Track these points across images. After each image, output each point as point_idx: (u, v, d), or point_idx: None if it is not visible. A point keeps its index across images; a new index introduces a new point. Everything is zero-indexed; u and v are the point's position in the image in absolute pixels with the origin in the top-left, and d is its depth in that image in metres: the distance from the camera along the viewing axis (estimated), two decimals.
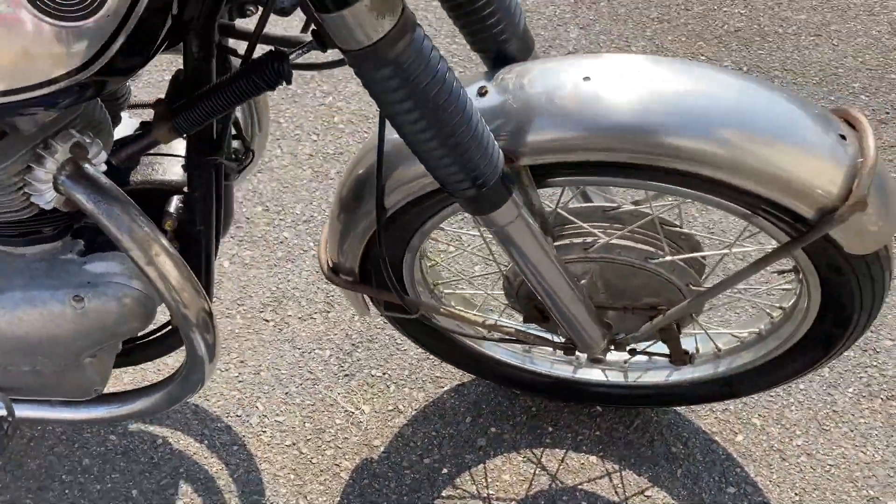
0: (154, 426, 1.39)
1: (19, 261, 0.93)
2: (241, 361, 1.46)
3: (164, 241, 0.89)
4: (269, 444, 1.37)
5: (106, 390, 1.08)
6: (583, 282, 1.06)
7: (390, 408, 1.41)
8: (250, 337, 1.50)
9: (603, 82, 0.87)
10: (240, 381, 1.44)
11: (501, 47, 0.94)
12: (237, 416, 1.40)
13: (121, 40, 0.67)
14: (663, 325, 1.09)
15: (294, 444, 1.37)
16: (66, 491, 1.32)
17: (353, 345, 1.48)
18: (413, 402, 1.42)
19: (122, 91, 1.00)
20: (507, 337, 1.19)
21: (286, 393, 1.43)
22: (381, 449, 1.36)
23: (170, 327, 1.10)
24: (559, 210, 1.03)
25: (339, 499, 1.31)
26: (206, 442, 1.37)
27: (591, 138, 0.87)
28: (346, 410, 1.41)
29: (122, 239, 0.85)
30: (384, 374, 1.45)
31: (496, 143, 0.84)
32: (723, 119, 0.87)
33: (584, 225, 1.04)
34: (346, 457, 1.35)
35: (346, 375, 1.45)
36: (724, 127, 0.87)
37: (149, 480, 1.33)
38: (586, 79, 0.87)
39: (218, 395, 1.42)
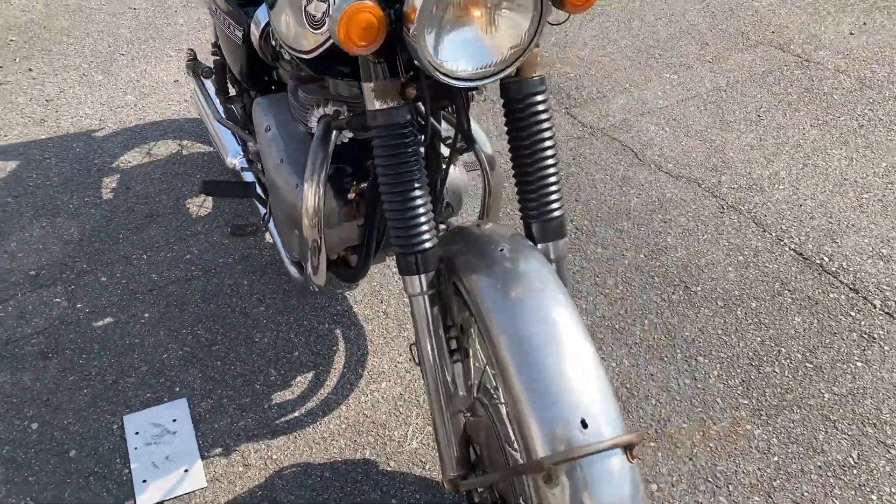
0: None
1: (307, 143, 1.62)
2: None
3: (320, 186, 1.44)
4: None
5: None
6: (469, 415, 1.29)
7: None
8: None
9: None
10: None
11: (527, 224, 1.26)
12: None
13: (323, 47, 1.30)
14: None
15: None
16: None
17: None
18: None
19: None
20: None
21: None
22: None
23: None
24: None
25: None
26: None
27: None
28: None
29: (307, 168, 1.47)
30: None
31: (432, 239, 1.20)
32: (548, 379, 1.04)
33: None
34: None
35: None
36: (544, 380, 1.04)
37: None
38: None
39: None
